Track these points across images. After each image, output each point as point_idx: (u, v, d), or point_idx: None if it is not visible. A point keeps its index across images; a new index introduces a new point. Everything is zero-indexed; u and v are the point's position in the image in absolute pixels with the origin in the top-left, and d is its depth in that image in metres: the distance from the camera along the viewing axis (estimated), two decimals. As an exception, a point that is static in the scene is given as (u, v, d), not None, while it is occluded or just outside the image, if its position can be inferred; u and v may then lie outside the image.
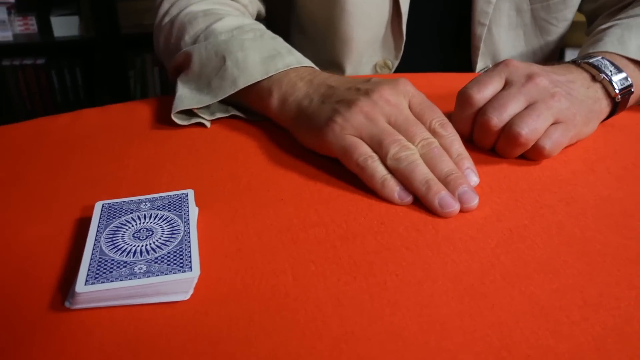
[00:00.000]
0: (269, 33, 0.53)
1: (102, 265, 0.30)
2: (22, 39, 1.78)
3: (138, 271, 0.29)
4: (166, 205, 0.35)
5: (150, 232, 0.33)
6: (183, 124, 0.49)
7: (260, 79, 0.47)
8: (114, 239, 0.32)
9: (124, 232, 0.33)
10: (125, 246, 0.32)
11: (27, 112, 1.85)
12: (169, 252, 0.31)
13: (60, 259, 0.33)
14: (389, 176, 0.39)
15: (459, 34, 0.71)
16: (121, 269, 0.30)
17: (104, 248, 0.31)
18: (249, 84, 0.47)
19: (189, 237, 0.32)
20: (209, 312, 0.29)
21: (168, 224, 0.33)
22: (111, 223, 0.34)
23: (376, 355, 0.27)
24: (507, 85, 0.44)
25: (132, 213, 0.35)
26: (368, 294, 0.31)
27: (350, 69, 0.70)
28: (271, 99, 0.47)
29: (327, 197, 0.40)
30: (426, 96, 0.44)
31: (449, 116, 0.45)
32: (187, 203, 0.35)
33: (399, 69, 0.72)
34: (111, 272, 0.29)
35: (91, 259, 0.30)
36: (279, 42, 0.52)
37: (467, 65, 0.72)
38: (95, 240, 0.32)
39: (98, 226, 0.33)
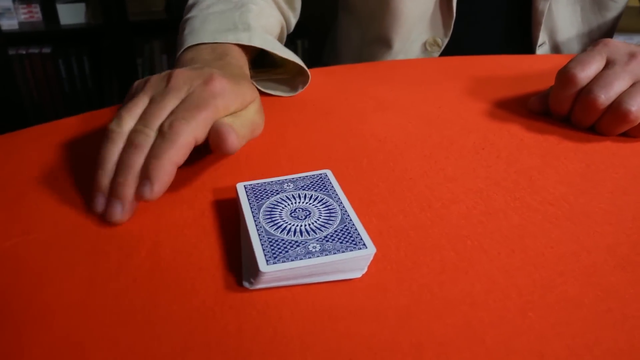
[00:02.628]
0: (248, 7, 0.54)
1: (275, 245, 0.30)
2: (27, 27, 1.74)
3: (313, 250, 0.30)
4: (310, 185, 0.35)
5: (307, 211, 0.33)
6: None
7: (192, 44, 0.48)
8: (273, 219, 0.32)
9: (281, 211, 0.33)
10: (289, 226, 0.31)
11: (34, 102, 1.81)
12: (336, 231, 0.31)
13: (214, 241, 0.34)
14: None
15: (514, 11, 0.72)
16: (296, 248, 0.30)
17: (267, 228, 0.31)
18: (186, 46, 0.49)
19: (349, 215, 0.32)
20: (387, 288, 0.30)
21: (322, 203, 0.34)
22: (263, 204, 0.34)
23: (560, 323, 0.28)
24: (608, 64, 0.45)
25: (279, 194, 0.35)
26: (532, 265, 0.32)
27: (399, 45, 0.71)
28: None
29: (451, 176, 0.40)
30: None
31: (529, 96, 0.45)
32: (331, 183, 0.36)
33: (449, 48, 0.72)
34: (287, 251, 0.29)
35: (261, 240, 0.30)
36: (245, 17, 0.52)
37: (524, 43, 0.73)
38: (255, 221, 0.32)
39: (250, 207, 0.33)
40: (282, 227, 0.31)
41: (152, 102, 0.36)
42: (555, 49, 0.75)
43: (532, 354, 0.26)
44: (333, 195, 0.34)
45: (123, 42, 1.76)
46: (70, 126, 0.48)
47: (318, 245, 0.30)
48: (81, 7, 1.74)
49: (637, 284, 0.30)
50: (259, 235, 0.31)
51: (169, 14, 1.83)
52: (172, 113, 0.35)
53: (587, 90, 0.45)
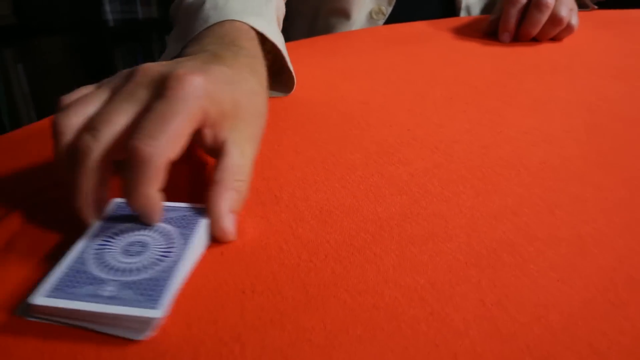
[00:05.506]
0: None
1: (74, 276, 0.24)
2: None
3: (103, 294, 0.23)
4: (177, 219, 0.28)
5: (143, 248, 0.26)
6: None
7: (228, 19, 0.40)
8: (106, 247, 0.26)
9: (120, 240, 0.27)
10: (110, 260, 0.25)
11: None
12: (149, 280, 0.24)
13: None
14: None
15: None
16: (88, 286, 0.24)
17: (89, 255, 0.26)
18: (216, 22, 0.40)
19: (175, 270, 0.25)
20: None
21: (168, 242, 0.27)
22: (114, 227, 0.28)
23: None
24: None
25: (134, 221, 0.28)
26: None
27: (355, 15, 0.74)
28: (190, 48, 0.38)
29: (439, 123, 0.42)
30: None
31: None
32: (199, 223, 0.28)
33: (393, 16, 0.76)
34: (75, 287, 0.24)
35: (69, 265, 0.25)
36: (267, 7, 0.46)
37: (449, 8, 0.81)
38: (88, 243, 0.26)
39: (100, 227, 0.28)
40: (102, 259, 0.25)
41: (109, 102, 0.28)
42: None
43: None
44: (187, 237, 0.27)
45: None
46: None
47: (115, 290, 0.24)
48: None
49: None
50: (73, 260, 0.25)
51: (19, 17, 1.63)
52: (136, 125, 0.27)
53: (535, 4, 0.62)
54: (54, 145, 0.28)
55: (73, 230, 0.28)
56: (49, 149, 0.29)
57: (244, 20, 0.40)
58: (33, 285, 0.25)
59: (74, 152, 0.26)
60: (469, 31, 0.69)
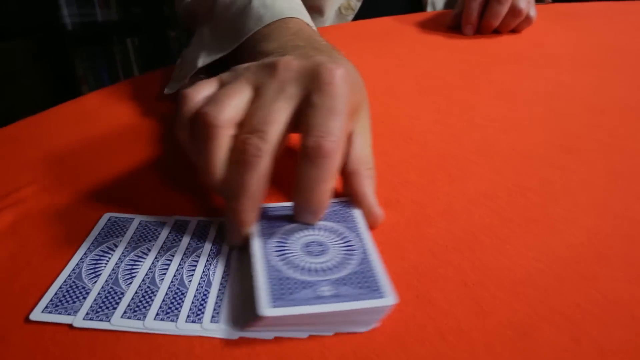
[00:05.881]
0: None
1: (282, 284, 0.24)
2: None
3: (324, 294, 0.23)
4: (329, 214, 0.29)
5: (323, 247, 0.27)
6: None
7: (286, 17, 0.41)
8: (283, 252, 0.26)
9: (293, 244, 0.27)
10: (300, 262, 0.25)
11: None
12: (354, 273, 0.25)
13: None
14: None
15: None
16: (304, 290, 0.24)
17: (274, 263, 0.25)
18: (276, 19, 0.41)
19: (369, 256, 0.26)
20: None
21: (341, 238, 0.27)
22: (273, 232, 0.27)
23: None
24: None
25: (291, 222, 0.28)
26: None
27: (328, 12, 0.75)
28: (270, 44, 0.38)
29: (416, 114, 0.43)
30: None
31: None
32: (353, 213, 0.29)
33: (361, 12, 0.77)
34: (293, 293, 0.23)
35: (269, 276, 0.24)
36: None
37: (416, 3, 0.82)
38: (264, 252, 0.26)
39: (261, 235, 0.27)
40: (292, 263, 0.25)
41: (261, 98, 0.27)
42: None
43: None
44: (354, 229, 0.28)
45: None
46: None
47: (332, 289, 0.24)
48: None
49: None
50: (266, 270, 0.25)
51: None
52: (306, 124, 0.26)
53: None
54: (207, 139, 0.26)
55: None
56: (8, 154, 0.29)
57: (300, 18, 0.41)
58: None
59: (241, 153, 0.26)
60: (434, 25, 0.71)
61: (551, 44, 0.64)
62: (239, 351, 0.22)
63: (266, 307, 0.22)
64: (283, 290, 0.23)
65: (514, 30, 0.68)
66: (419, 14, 0.78)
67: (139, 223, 0.30)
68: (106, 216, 0.30)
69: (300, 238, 0.27)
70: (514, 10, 0.65)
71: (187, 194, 0.33)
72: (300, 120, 0.27)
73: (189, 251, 0.28)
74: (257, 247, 0.26)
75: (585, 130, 0.41)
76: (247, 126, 0.26)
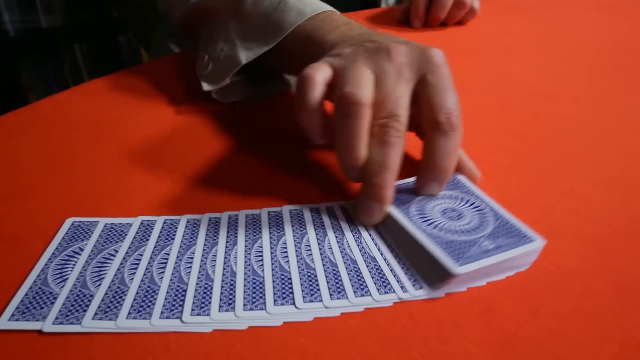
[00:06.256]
0: None
1: (451, 246, 0.26)
2: None
3: (488, 248, 0.26)
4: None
5: (458, 212, 0.29)
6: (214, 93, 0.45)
7: (326, 10, 0.42)
8: (430, 221, 0.28)
9: (430, 212, 0.29)
10: (450, 226, 0.28)
11: None
12: (498, 227, 0.28)
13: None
14: None
15: None
16: (471, 247, 0.26)
17: (430, 231, 0.28)
18: (318, 12, 0.42)
19: (499, 211, 0.29)
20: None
21: (466, 203, 0.30)
22: (409, 206, 0.30)
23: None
24: None
25: (414, 195, 0.31)
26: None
27: None
28: (329, 35, 0.39)
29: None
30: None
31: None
32: (464, 183, 0.32)
33: None
34: (465, 252, 0.26)
35: (437, 242, 0.27)
36: None
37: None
38: (415, 224, 0.28)
39: (400, 210, 0.29)
40: (444, 229, 0.28)
41: (386, 83, 0.31)
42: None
43: None
44: (470, 192, 0.31)
45: None
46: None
47: (491, 242, 0.27)
48: None
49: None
50: (430, 237, 0.27)
51: None
52: (429, 103, 0.30)
53: None
54: (354, 117, 0.29)
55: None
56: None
57: (335, 10, 0.42)
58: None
59: (384, 135, 0.29)
60: (385, 20, 0.73)
61: (497, 36, 0.66)
62: (214, 344, 0.23)
63: (456, 267, 0.25)
64: (456, 251, 0.26)
65: (460, 22, 0.71)
66: (370, 10, 0.79)
67: (104, 225, 0.29)
68: (69, 221, 0.30)
69: (434, 207, 0.30)
70: (459, 3, 0.68)
71: (151, 195, 0.33)
72: (419, 98, 0.31)
73: (157, 249, 0.28)
74: (405, 220, 0.28)
75: (533, 116, 0.43)
76: (384, 110, 0.30)
